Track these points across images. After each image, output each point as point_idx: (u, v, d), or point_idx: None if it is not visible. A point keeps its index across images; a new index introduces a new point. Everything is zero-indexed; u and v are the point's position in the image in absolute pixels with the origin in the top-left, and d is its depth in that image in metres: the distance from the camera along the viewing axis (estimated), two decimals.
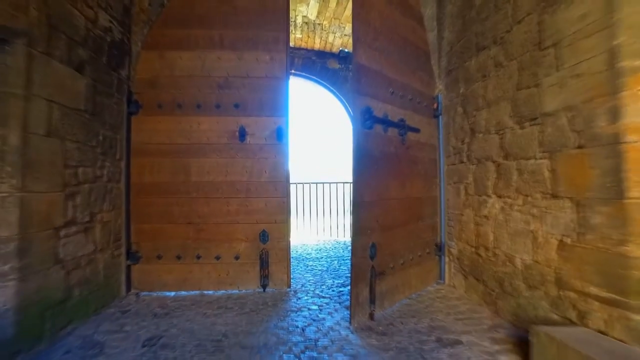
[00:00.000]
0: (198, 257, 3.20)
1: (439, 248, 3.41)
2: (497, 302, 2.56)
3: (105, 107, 2.82)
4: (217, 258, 3.22)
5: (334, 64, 6.71)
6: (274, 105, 3.29)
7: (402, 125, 2.91)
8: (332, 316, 2.66)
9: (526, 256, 2.26)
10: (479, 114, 2.83)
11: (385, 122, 2.74)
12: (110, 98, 2.90)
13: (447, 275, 3.38)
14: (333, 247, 5.47)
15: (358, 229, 2.48)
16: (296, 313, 2.72)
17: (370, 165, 2.61)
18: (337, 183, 7.10)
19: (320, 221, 7.14)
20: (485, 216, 2.73)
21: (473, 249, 2.91)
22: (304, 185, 7.01)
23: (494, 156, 2.63)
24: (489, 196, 2.69)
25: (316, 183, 7.02)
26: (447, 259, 3.38)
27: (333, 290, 3.26)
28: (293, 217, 7.03)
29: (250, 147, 3.27)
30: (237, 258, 3.23)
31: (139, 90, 3.21)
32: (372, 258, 2.58)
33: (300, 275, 3.78)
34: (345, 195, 7.01)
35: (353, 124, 2.52)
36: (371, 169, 2.61)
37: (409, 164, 3.06)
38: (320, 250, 5.25)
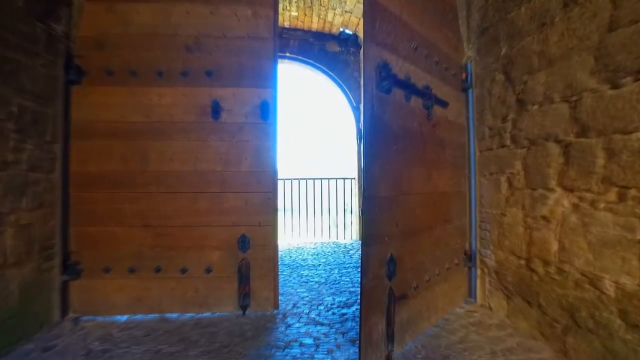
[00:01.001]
0: (157, 270, 2.40)
1: (469, 258, 2.62)
2: (566, 339, 1.77)
3: (22, 69, 2.01)
4: (183, 271, 2.42)
5: (334, 47, 5.91)
6: (258, 73, 2.49)
7: (428, 95, 2.12)
8: (332, 356, 1.86)
9: (625, 278, 1.48)
10: (532, 78, 2.04)
11: (408, 87, 1.94)
12: (33, 58, 2.10)
13: (479, 292, 2.59)
14: (332, 252, 4.68)
15: (371, 235, 1.69)
16: (283, 351, 1.92)
17: (388, 146, 1.82)
18: (337, 179, 6.31)
19: (318, 221, 6.35)
20: (545, 217, 1.94)
21: (522, 261, 2.12)
22: (300, 181, 6.21)
23: (559, 134, 1.84)
24: (550, 190, 1.90)
25: (314, 179, 6.23)
26: (479, 272, 2.59)
27: (333, 313, 2.46)
28: (288, 217, 6.22)
29: (226, 126, 2.47)
30: (208, 271, 2.43)
31: (83, 52, 2.40)
32: (390, 277, 1.78)
33: (293, 290, 2.98)
34: (346, 193, 6.22)
35: (365, 86, 1.72)
36: (389, 150, 1.82)
37: (436, 148, 2.27)
38: (317, 255, 4.45)
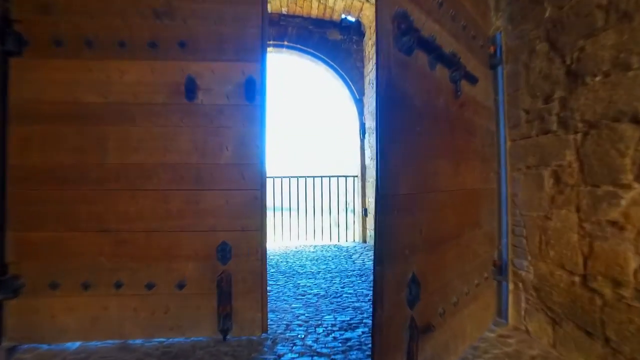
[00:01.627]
0: (118, 286, 1.91)
1: (499, 269, 2.12)
2: None
3: None
4: (149, 286, 1.93)
5: (335, 35, 5.42)
6: (242, 44, 2.00)
7: (456, 64, 1.62)
8: None
9: None
10: (593, 41, 1.54)
11: (433, 50, 1.45)
12: None
13: (511, 311, 2.09)
14: (333, 256, 4.19)
15: (388, 248, 1.20)
16: None
17: (410, 127, 1.32)
18: (338, 177, 5.81)
19: (318, 222, 5.85)
20: (615, 223, 1.44)
21: (576, 278, 1.62)
22: (299, 179, 5.71)
23: (639, 110, 1.35)
24: (622, 186, 1.41)
25: (313, 177, 5.73)
26: (511, 286, 2.09)
27: (335, 339, 1.97)
28: (286, 218, 5.73)
29: (203, 109, 1.98)
30: (181, 287, 1.94)
31: (24, 16, 1.90)
32: (412, 303, 1.29)
33: (287, 306, 2.48)
34: (347, 192, 5.72)
35: (379, 43, 1.23)
36: (411, 133, 1.33)
37: (464, 134, 1.78)
38: (317, 260, 3.96)
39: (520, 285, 2.01)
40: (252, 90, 1.99)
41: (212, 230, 1.96)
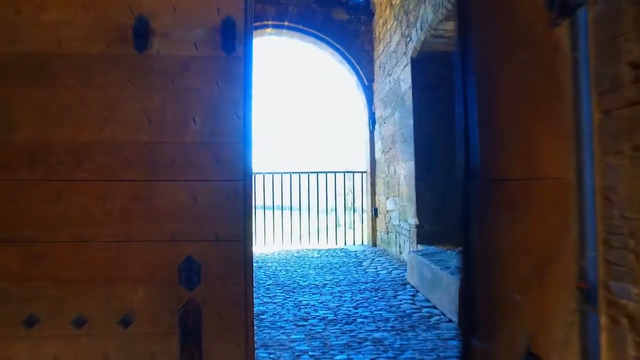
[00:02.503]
0: (30, 324, 1.26)
1: (585, 295, 1.46)
2: None
3: None
4: (79, 323, 1.28)
5: (341, 14, 4.77)
6: None
7: None
8: None
9: None
10: None
11: None
12: None
13: (607, 357, 1.43)
14: (341, 263, 3.54)
15: (488, 297, 0.54)
16: None
17: (513, 48, 0.67)
18: (344, 173, 5.16)
19: (322, 222, 5.20)
20: None
21: None
22: (301, 175, 5.05)
23: None
24: None
25: (317, 172, 5.07)
26: (604, 321, 1.42)
27: None
28: (286, 218, 5.07)
29: (159, 63, 1.33)
30: (126, 323, 1.29)
31: None
32: None
33: (284, 337, 1.83)
34: (356, 190, 5.07)
35: None
36: (516, 57, 0.67)
37: (557, 90, 1.12)
38: (322, 268, 3.31)
39: (625, 321, 1.34)
40: (231, 37, 1.34)
41: (172, 241, 1.31)
